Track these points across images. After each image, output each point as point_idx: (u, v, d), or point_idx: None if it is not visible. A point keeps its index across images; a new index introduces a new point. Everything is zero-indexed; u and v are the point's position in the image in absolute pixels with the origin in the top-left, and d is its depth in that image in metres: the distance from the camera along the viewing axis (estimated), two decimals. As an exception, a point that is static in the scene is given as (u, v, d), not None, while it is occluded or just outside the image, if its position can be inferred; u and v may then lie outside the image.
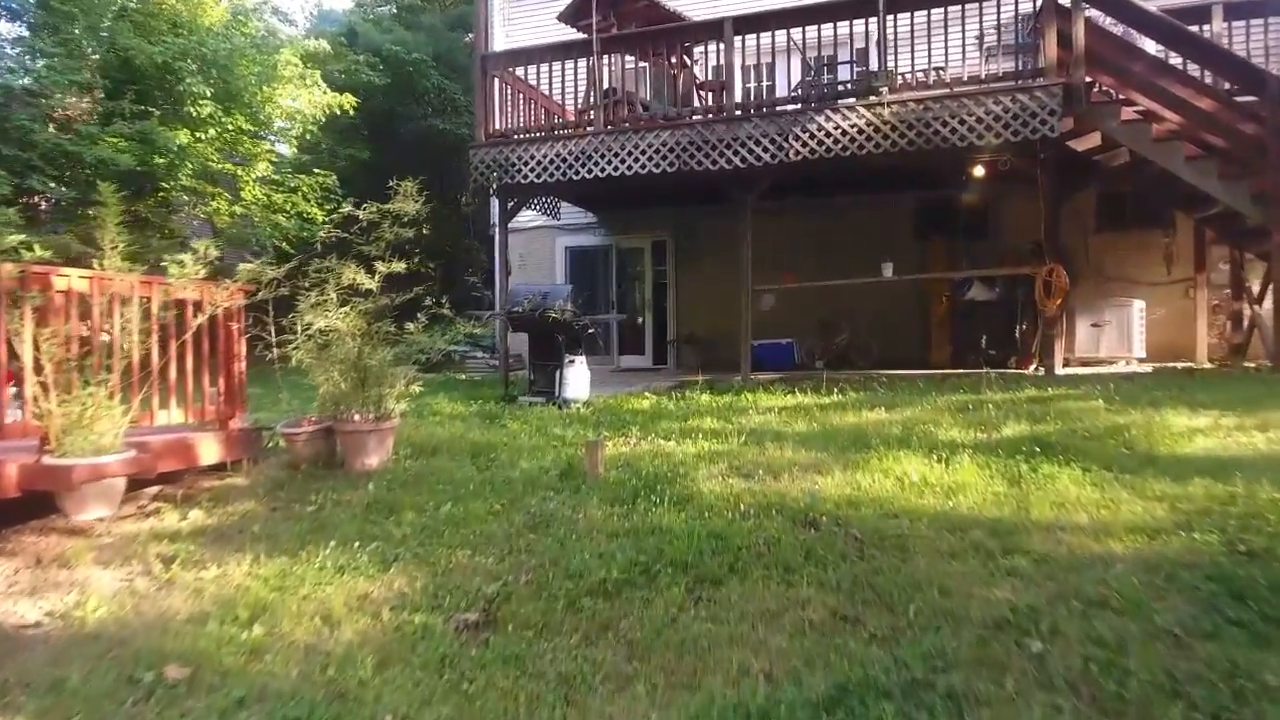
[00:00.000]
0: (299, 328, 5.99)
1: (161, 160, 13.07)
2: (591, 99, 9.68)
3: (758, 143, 8.82)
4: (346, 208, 13.90)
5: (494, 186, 10.03)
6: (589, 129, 9.65)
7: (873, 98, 8.54)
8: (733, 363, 12.54)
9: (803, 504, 4.35)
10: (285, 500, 5.20)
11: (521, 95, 10.26)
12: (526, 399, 8.18)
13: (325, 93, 14.89)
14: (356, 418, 5.88)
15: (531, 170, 9.75)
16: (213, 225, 15.32)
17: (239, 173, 14.84)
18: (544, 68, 9.86)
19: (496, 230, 10.87)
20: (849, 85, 8.87)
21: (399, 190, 6.45)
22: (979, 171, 9.56)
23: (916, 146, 8.33)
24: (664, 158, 9.16)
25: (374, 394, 6.01)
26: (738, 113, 9.04)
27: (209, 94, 12.67)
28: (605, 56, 9.83)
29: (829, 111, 8.61)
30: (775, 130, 8.77)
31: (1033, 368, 9.99)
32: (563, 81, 9.82)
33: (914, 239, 12.29)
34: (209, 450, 5.70)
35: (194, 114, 12.81)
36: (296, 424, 6.13)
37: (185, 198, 14.73)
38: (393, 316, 6.30)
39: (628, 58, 10.32)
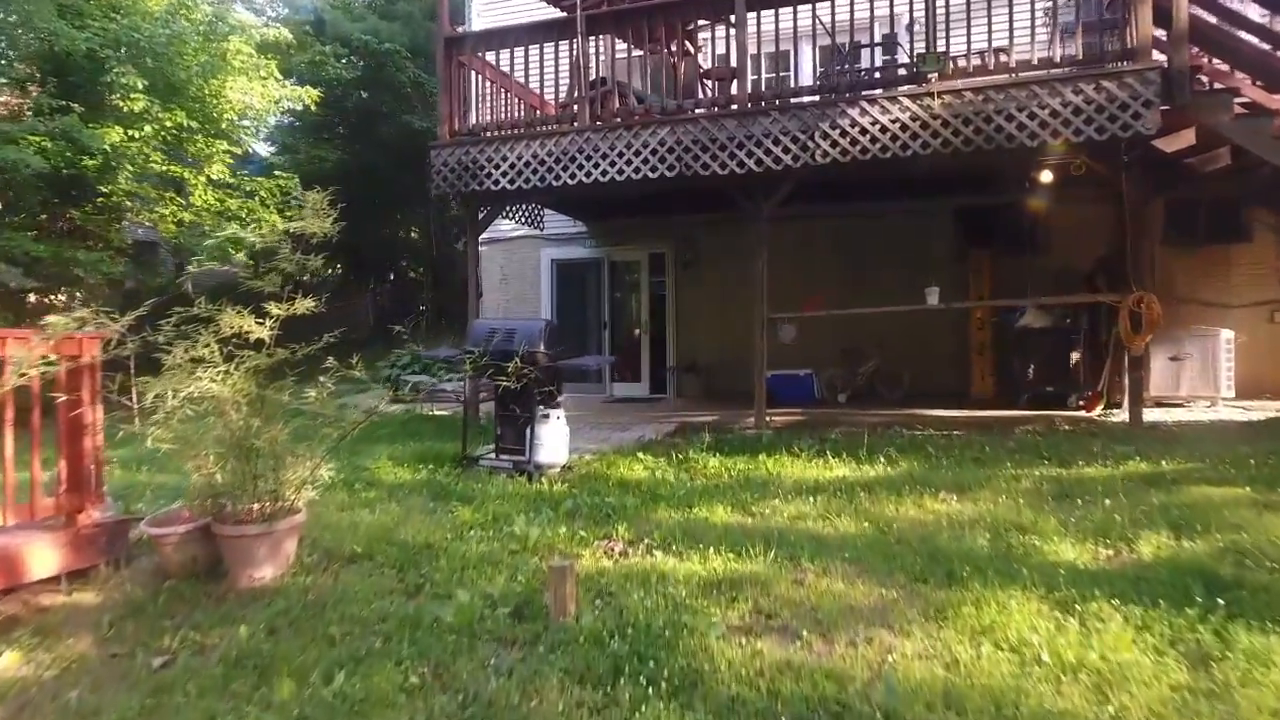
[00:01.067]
0: (162, 395, 4.38)
1: (92, 162, 11.46)
2: (577, 91, 8.06)
3: (776, 141, 7.22)
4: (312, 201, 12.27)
5: (458, 195, 8.42)
6: (573, 125, 8.04)
7: (920, 86, 6.93)
8: (742, 394, 10.95)
9: (875, 702, 2.76)
10: (134, 640, 3.63)
11: (493, 85, 8.65)
12: (489, 460, 6.57)
13: (283, 85, 13.26)
14: (255, 507, 4.35)
15: (504, 175, 8.14)
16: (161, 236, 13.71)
17: (187, 176, 13.22)
18: (520, 53, 8.25)
19: (466, 244, 9.26)
20: (888, 73, 7.24)
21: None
22: (1045, 177, 7.95)
23: (974, 146, 6.73)
24: (662, 160, 7.56)
25: (266, 484, 4.44)
26: (751, 106, 7.43)
27: (141, 86, 11.04)
28: (593, 39, 8.22)
29: (864, 104, 7.00)
30: (798, 127, 7.16)
31: (1099, 409, 8.39)
32: (541, 69, 8.21)
33: (953, 253, 10.69)
34: (42, 559, 4.16)
35: (127, 109, 11.18)
36: (169, 520, 4.57)
37: (129, 203, 13.11)
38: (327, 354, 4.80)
39: (620, 44, 8.70)
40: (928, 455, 6.36)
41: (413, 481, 6.27)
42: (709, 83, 8.74)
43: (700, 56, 9.39)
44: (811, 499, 5.17)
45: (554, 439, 6.33)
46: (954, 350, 10.46)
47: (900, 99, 6.93)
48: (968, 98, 6.75)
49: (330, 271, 28.62)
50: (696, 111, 7.71)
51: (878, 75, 7.14)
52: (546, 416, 6.35)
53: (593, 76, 8.43)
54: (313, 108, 13.71)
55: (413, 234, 26.92)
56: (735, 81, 7.59)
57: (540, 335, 6.19)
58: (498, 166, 8.17)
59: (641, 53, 9.31)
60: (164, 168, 13.05)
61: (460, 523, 5.05)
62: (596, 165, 7.77)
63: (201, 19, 12.26)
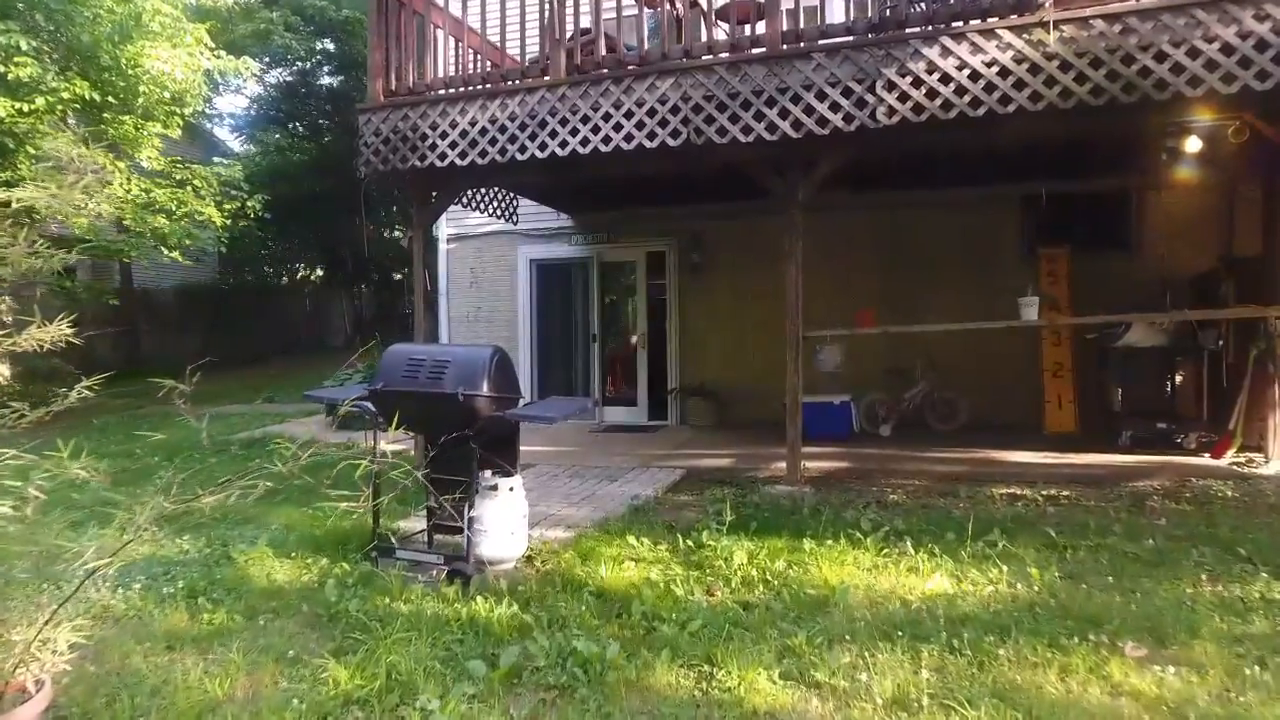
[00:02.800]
0: None
1: (-26, 141, 9.45)
2: (551, 39, 6.03)
3: (821, 96, 5.21)
4: (253, 203, 10.17)
5: (394, 173, 6.40)
6: (544, 79, 6.02)
7: (1028, 16, 4.92)
8: (762, 425, 8.98)
9: None
10: None
11: (442, 31, 6.63)
12: (411, 551, 4.54)
13: (216, 55, 11.21)
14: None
15: (453, 146, 6.13)
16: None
17: (104, 161, 11.16)
18: (475, -14, 6.25)
19: (411, 240, 7.24)
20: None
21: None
22: (1190, 145, 5.95)
23: (1107, 97, 4.72)
24: (664, 124, 5.54)
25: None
26: (786, 47, 5.42)
27: (26, 47, 9.01)
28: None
29: (947, 41, 4.99)
30: (851, 74, 5.15)
31: (1231, 455, 6.40)
32: (510, 19, 6.18)
33: (1020, 251, 8.68)
34: None
35: (13, 76, 9.15)
36: None
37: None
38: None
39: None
40: (1054, 546, 4.34)
41: (292, 589, 4.26)
42: (723, 25, 6.72)
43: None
44: (909, 653, 3.14)
45: (504, 522, 4.30)
46: (1021, 371, 8.45)
47: (999, 32, 4.91)
48: (1098, 29, 4.74)
49: (304, 274, 26.61)
50: (708, 57, 5.69)
51: (963, 2, 5.15)
52: (494, 489, 4.32)
53: (569, 30, 6.43)
54: (248, 81, 11.69)
55: (396, 232, 24.86)
56: (764, 18, 5.56)
57: (484, 371, 4.16)
58: (444, 135, 6.15)
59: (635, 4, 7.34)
60: (74, 150, 10.99)
61: (327, 701, 3.04)
62: (575, 132, 5.76)
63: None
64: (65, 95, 9.56)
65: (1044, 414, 8.30)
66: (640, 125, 5.59)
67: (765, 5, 5.48)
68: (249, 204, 12.47)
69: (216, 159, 12.67)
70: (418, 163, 6.23)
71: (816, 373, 8.34)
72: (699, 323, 9.74)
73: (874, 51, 5.13)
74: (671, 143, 5.51)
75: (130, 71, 10.62)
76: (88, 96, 9.75)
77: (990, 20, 5.05)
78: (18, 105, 9.42)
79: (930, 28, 5.13)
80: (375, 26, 6.47)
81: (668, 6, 6.43)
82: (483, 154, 6.03)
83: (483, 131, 6.03)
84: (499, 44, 6.82)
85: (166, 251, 12.32)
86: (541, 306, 10.45)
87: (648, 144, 5.57)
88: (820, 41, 5.41)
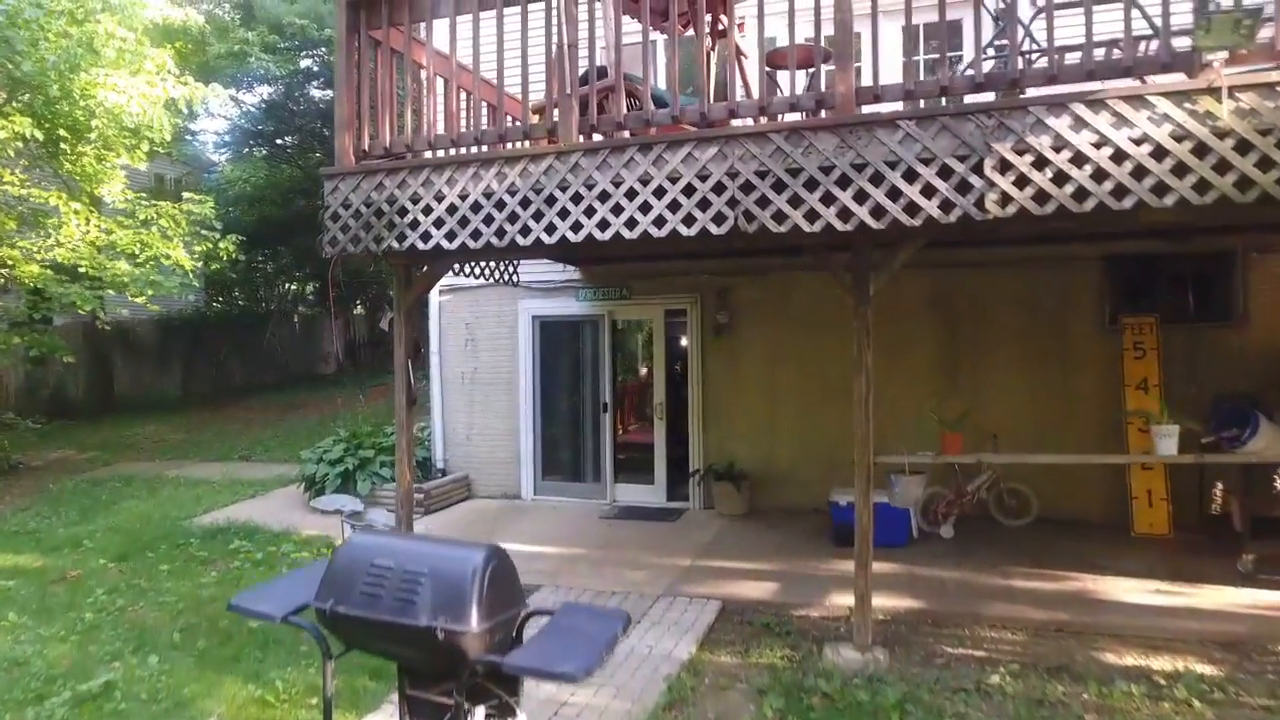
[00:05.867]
0: None
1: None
2: (557, 86, 4.84)
3: (911, 175, 4.03)
4: (226, 245, 8.97)
5: (366, 254, 5.23)
6: (551, 145, 4.85)
7: (1192, 78, 3.74)
8: (799, 516, 7.84)
9: None
10: None
11: (426, 73, 5.43)
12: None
13: (182, 81, 10.02)
14: None
15: (439, 224, 4.95)
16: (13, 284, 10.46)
17: (56, 201, 10.00)
18: (465, 22, 5.03)
19: (393, 320, 6.06)
20: (1126, 55, 3.96)
21: None
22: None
23: (1301, 188, 3.55)
24: (703, 205, 4.36)
25: None
26: (862, 110, 4.24)
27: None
28: (583, 6, 5.03)
29: (1082, 109, 3.81)
30: (952, 147, 3.97)
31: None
32: (500, 52, 4.99)
33: (1101, 317, 7.51)
34: None
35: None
36: None
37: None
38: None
39: (626, 21, 5.51)
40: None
41: None
42: (768, 74, 5.52)
43: (743, 39, 6.16)
44: None
45: (502, 790, 3.11)
46: (1100, 449, 7.28)
47: (1151, 100, 3.73)
48: (1291, 96, 3.56)
49: (296, 290, 25.37)
50: (761, 121, 4.51)
51: (1094, 58, 3.97)
52: (488, 739, 3.14)
53: (582, 69, 5.26)
54: (211, 108, 10.49)
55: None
56: (834, 68, 4.37)
57: (472, 590, 2.96)
58: (428, 210, 4.97)
59: (659, 32, 6.20)
60: (20, 191, 9.85)
61: None
62: (590, 212, 4.58)
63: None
64: (2, 134, 8.36)
65: (1131, 511, 7.13)
66: (674, 206, 4.41)
67: (835, 52, 4.28)
68: (221, 245, 11.28)
69: (187, 195, 11.44)
70: (395, 244, 5.05)
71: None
72: (724, 392, 8.55)
73: (981, 120, 3.94)
74: (715, 229, 4.33)
75: (83, 104, 9.44)
76: (29, 134, 8.55)
77: (1137, 83, 3.87)
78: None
79: (1055, 91, 3.94)
80: (343, 71, 5.28)
81: (685, 29, 5.26)
82: (475, 235, 4.85)
83: (475, 207, 4.85)
84: (496, 76, 5.62)
85: (131, 297, 11.15)
86: (545, 369, 9.26)
87: (684, 230, 4.38)
88: (907, 105, 4.23)
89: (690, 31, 6.23)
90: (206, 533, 8.26)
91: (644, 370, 9.10)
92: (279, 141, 19.41)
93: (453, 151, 5.21)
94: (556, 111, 4.84)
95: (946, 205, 3.98)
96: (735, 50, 5.90)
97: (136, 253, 10.67)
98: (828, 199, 4.16)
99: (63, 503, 10.19)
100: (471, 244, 4.87)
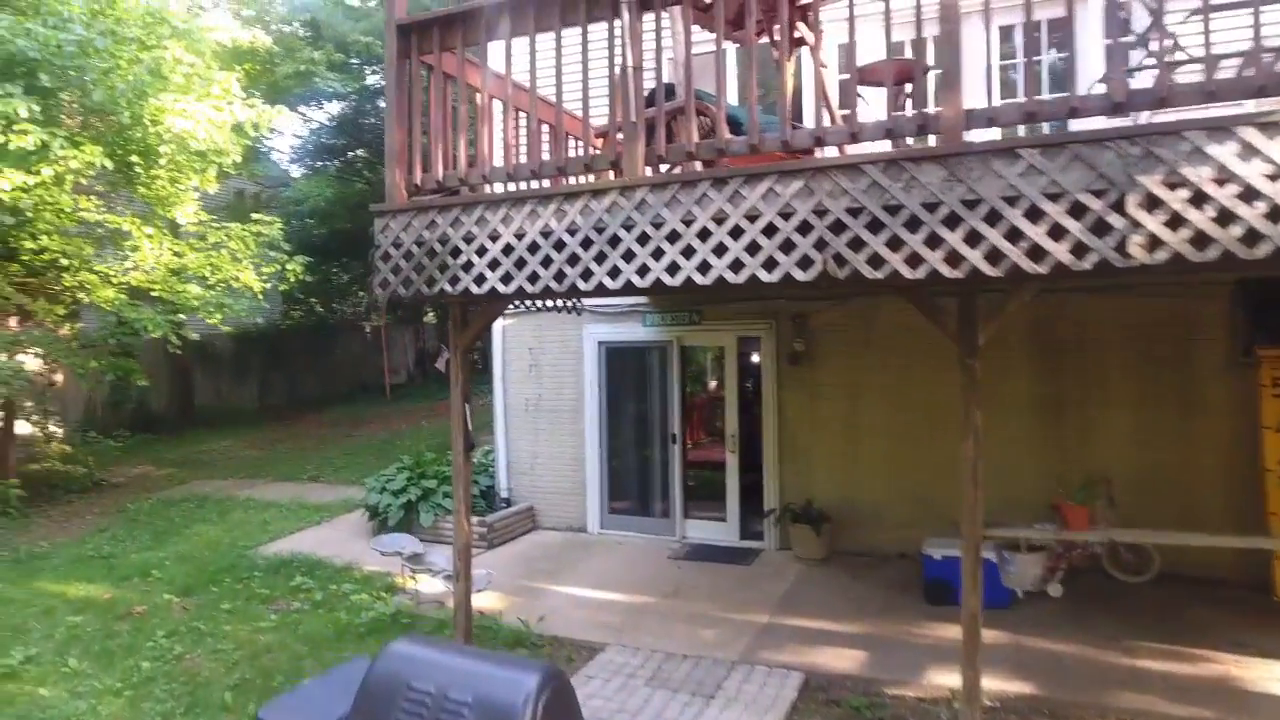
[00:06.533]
0: None
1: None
2: (621, 110, 4.38)
3: (1035, 214, 3.42)
4: (294, 267, 8.87)
5: (418, 299, 4.88)
6: (614, 180, 4.40)
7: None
8: (886, 562, 7.23)
9: None
10: None
11: (483, 103, 5.04)
12: None
13: (248, 104, 9.98)
14: None
15: (493, 266, 4.55)
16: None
17: (128, 226, 10.10)
18: (522, 45, 4.62)
19: (448, 363, 5.73)
20: None
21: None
22: None
23: None
24: (787, 247, 3.83)
25: None
26: (973, 137, 3.63)
27: (25, 114, 7.89)
28: (648, 13, 4.54)
29: (1251, 134, 3.14)
30: (1086, 181, 3.35)
31: None
32: (558, 75, 4.56)
33: (1231, 351, 6.64)
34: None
35: (15, 147, 8.05)
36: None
37: (66, 261, 10.06)
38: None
39: (696, 32, 5.01)
40: None
41: None
42: (856, 91, 4.94)
43: (822, 49, 5.57)
44: None
45: None
46: (1231, 505, 6.44)
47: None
48: None
49: (365, 308, 25.72)
50: (850, 149, 3.95)
51: (1267, 71, 3.29)
52: None
53: (648, 86, 4.79)
54: (267, 129, 10.41)
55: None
56: (939, 86, 3.78)
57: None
58: (482, 251, 4.58)
59: (729, 41, 5.69)
60: (97, 217, 9.98)
61: None
62: (659, 254, 4.10)
63: (131, 17, 9.07)
64: (74, 163, 8.41)
65: (1273, 574, 6.25)
66: (753, 249, 3.89)
67: (942, 68, 3.69)
68: (289, 267, 11.26)
69: (256, 216, 11.48)
70: (448, 287, 4.68)
71: (941, 495, 6.52)
72: (802, 425, 7.97)
73: (1122, 147, 3.31)
74: (800, 275, 3.79)
75: (153, 129, 9.48)
76: (99, 163, 8.59)
77: (1326, 98, 3.18)
78: (22, 180, 8.31)
79: (1214, 113, 3.28)
80: (394, 99, 4.94)
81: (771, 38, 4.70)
82: (532, 278, 4.44)
83: (533, 248, 4.44)
84: (554, 101, 5.17)
85: (204, 319, 11.23)
86: (611, 396, 8.85)
87: (764, 276, 3.87)
88: (1028, 129, 3.61)
89: (764, 40, 5.72)
90: (270, 565, 8.14)
91: (714, 400, 8.57)
92: (350, 155, 19.61)
93: (510, 186, 4.82)
94: (620, 139, 4.39)
95: (1080, 249, 3.36)
96: (818, 64, 5.35)
97: (207, 275, 10.71)
98: (933, 241, 3.58)
99: (138, 524, 10.31)
100: (529, 288, 4.46)
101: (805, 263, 3.78)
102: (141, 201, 10.71)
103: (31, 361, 11.41)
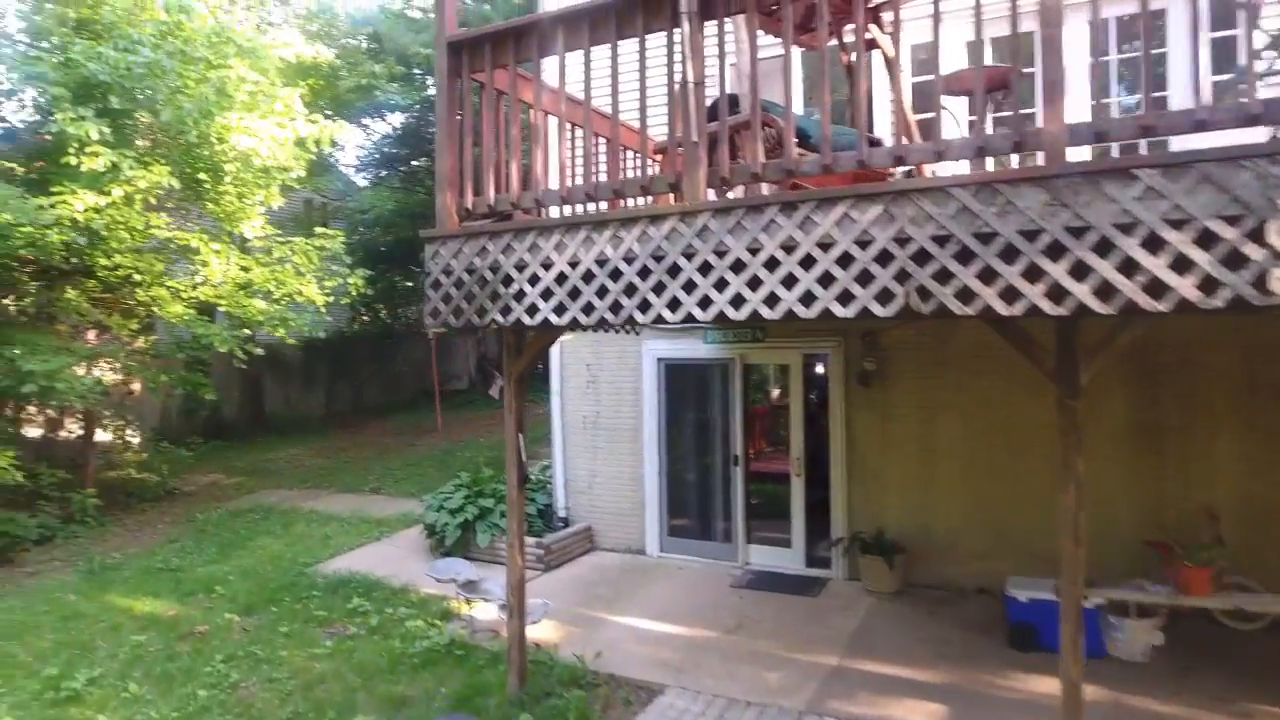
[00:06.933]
0: None
1: (58, 237, 8.63)
2: (680, 125, 4.09)
3: (1154, 243, 2.99)
4: (355, 280, 8.86)
5: (470, 329, 4.69)
6: (674, 204, 4.12)
7: None
8: (963, 597, 6.76)
9: None
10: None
11: (536, 122, 4.82)
12: None
13: (310, 120, 10.04)
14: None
15: (546, 295, 4.32)
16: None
17: (196, 242, 10.26)
18: (576, 60, 4.38)
19: (502, 391, 5.51)
20: None
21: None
22: None
23: None
24: (864, 279, 3.48)
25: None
26: (1080, 156, 3.22)
27: (96, 137, 8.04)
28: (710, 22, 4.23)
29: None
30: (1217, 205, 2.91)
31: None
32: (614, 88, 4.28)
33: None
34: None
35: (87, 169, 8.23)
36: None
37: (139, 277, 10.30)
38: None
39: (760, 37, 4.68)
40: None
41: None
42: (942, 100, 4.53)
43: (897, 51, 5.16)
44: None
45: None
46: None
47: None
48: None
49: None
50: (934, 169, 3.58)
51: None
52: None
53: (709, 98, 4.48)
54: (330, 144, 10.44)
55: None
56: (1041, 96, 3.37)
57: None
58: (535, 279, 4.35)
59: (790, 45, 5.36)
60: (167, 234, 10.17)
61: None
62: (722, 285, 3.80)
63: (194, 35, 9.19)
64: (142, 183, 8.55)
65: None
66: (826, 280, 3.55)
67: (1049, 81, 3.28)
68: (351, 280, 11.32)
69: (319, 230, 11.59)
70: (499, 317, 4.46)
71: (1034, 541, 6.03)
72: (872, 448, 7.54)
73: (1261, 167, 2.86)
74: (879, 310, 3.44)
75: (218, 147, 9.61)
76: (166, 182, 8.72)
77: None
78: (94, 201, 8.49)
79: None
80: (444, 119, 4.76)
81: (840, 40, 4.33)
82: (587, 309, 4.18)
83: (587, 276, 4.18)
84: (610, 119, 4.91)
85: (268, 333, 11.38)
86: (671, 414, 8.56)
87: (839, 310, 3.52)
88: (1148, 145, 3.18)
89: (832, 42, 5.36)
90: (329, 584, 8.10)
91: (779, 420, 8.20)
92: (412, 164, 19.80)
93: (566, 210, 4.58)
94: (679, 157, 4.09)
95: (1209, 285, 2.92)
96: (894, 70, 4.96)
97: (272, 289, 10.82)
98: (1033, 273, 3.19)
99: (206, 535, 10.48)
100: (583, 319, 4.21)
101: (885, 296, 3.42)
102: (210, 218, 10.90)
103: (109, 374, 11.75)
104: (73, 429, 13.14)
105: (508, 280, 4.44)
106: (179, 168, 9.25)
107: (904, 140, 4.83)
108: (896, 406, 7.41)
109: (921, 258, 3.38)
